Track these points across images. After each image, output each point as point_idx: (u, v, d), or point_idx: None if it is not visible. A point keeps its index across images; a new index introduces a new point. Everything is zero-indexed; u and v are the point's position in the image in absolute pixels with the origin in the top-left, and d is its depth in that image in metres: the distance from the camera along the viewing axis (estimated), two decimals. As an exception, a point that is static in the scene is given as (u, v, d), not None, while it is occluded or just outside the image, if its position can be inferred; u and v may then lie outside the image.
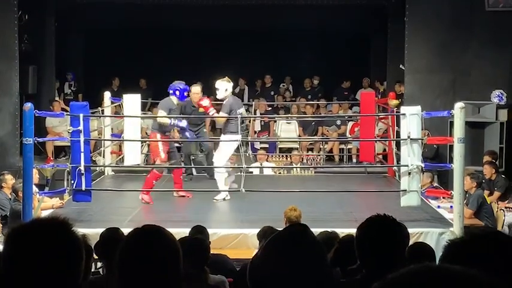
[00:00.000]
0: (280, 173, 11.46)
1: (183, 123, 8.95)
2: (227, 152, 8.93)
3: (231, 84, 9.05)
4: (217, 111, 9.09)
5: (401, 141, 7.91)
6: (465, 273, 1.03)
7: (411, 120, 7.69)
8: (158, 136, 8.86)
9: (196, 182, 10.22)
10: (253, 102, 13.80)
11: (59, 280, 1.68)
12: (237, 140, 8.78)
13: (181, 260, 2.01)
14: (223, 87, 8.85)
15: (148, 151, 11.99)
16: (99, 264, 5.89)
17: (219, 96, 8.95)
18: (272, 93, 15.02)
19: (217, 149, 9.11)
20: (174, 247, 2.02)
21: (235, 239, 7.20)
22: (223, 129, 9.06)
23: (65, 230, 1.74)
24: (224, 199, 8.86)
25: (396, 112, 9.94)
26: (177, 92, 8.92)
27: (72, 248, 1.73)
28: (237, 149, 8.98)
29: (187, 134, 9.25)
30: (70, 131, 7.89)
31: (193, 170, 11.04)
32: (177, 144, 10.20)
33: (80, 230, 2.05)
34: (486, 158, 9.90)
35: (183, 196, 9.11)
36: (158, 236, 2.03)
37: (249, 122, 12.43)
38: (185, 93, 9.02)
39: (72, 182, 7.83)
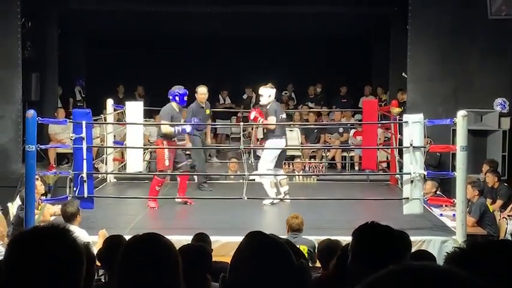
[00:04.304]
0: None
1: (188, 129, 8.98)
2: (272, 156, 8.99)
3: (274, 90, 9.32)
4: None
5: (404, 149, 7.91)
6: (446, 271, 1.02)
7: (413, 128, 7.69)
8: (165, 143, 8.87)
9: (199, 190, 10.20)
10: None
11: (59, 286, 1.69)
12: (279, 147, 8.98)
13: (179, 267, 2.01)
14: (267, 93, 9.08)
15: (151, 158, 12.00)
16: (100, 272, 5.88)
17: (262, 102, 9.20)
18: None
19: (262, 155, 9.17)
20: (172, 254, 2.02)
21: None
22: (266, 134, 9.18)
23: (65, 237, 1.75)
24: (272, 203, 8.94)
25: (399, 120, 9.94)
26: (177, 98, 8.95)
27: (73, 254, 1.73)
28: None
29: (197, 138, 9.27)
30: (73, 138, 7.89)
31: (196, 177, 11.03)
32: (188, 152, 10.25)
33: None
34: (485, 167, 9.88)
35: (186, 203, 9.11)
36: (156, 244, 2.04)
37: (252, 129, 12.44)
38: (185, 98, 9.06)
39: (75, 189, 7.83)
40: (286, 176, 9.60)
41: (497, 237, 8.17)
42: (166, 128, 8.81)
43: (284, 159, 9.72)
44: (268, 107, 9.11)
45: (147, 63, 15.79)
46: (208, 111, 10.35)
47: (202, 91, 10.08)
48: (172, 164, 8.94)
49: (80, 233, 6.59)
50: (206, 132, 10.59)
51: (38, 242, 1.72)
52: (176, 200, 9.12)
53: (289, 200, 9.15)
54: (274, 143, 9.03)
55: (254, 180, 9.63)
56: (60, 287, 1.69)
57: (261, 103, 9.31)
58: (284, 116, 9.47)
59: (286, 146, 9.37)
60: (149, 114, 13.28)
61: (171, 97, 9.00)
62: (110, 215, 8.44)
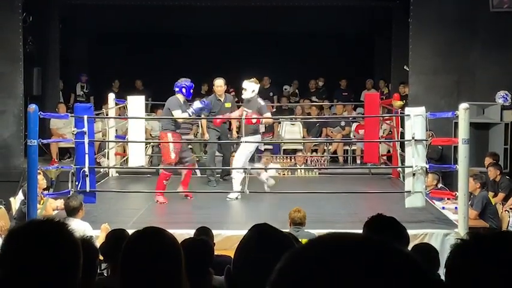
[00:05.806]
0: (284, 174, 11.45)
1: (197, 104, 8.91)
2: (248, 152, 8.97)
3: (258, 85, 9.26)
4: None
5: (406, 142, 7.90)
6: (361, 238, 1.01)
7: (415, 121, 7.68)
8: (169, 136, 8.81)
9: (203, 184, 10.19)
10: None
11: (55, 280, 1.69)
12: (257, 142, 9.01)
13: (182, 261, 2.02)
14: (251, 88, 9.04)
15: (152, 152, 12.00)
16: (103, 266, 5.89)
17: (245, 96, 9.13)
18: (271, 94, 14.97)
19: (239, 149, 9.14)
20: (175, 248, 2.03)
21: (240, 240, 7.18)
22: (246, 130, 9.10)
23: (61, 230, 1.75)
24: (237, 198, 8.90)
25: (400, 113, 9.94)
26: (184, 90, 8.90)
27: (69, 247, 1.73)
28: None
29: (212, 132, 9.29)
30: (74, 133, 7.90)
31: (198, 171, 11.02)
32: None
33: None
34: (488, 160, 9.88)
35: (187, 196, 9.09)
36: (159, 238, 2.04)
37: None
38: (191, 90, 9.02)
39: (77, 183, 7.85)
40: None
41: (500, 230, 8.17)
42: (183, 115, 8.77)
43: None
44: (261, 103, 9.05)
45: (147, 58, 15.76)
46: (228, 105, 10.05)
47: (218, 83, 9.96)
48: (179, 159, 8.91)
49: (83, 226, 6.61)
50: (232, 128, 10.36)
51: (34, 235, 1.72)
52: (178, 189, 9.08)
53: (269, 189, 9.15)
54: (255, 139, 9.01)
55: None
56: (57, 280, 1.69)
57: (243, 96, 9.20)
58: None
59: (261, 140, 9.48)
60: (151, 108, 13.29)
61: (177, 89, 8.92)
62: (112, 209, 8.45)
